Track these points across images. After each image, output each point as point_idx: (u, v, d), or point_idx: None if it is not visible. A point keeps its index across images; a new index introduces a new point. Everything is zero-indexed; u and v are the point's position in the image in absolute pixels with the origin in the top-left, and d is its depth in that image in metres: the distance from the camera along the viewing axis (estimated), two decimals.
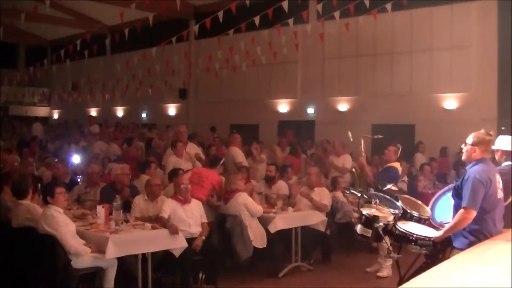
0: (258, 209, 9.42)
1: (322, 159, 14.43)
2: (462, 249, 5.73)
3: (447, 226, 6.04)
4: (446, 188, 7.40)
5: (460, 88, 17.31)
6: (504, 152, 7.02)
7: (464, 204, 5.78)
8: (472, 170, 5.92)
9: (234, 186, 9.53)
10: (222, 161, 10.82)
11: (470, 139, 6.06)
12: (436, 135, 16.64)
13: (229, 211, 9.36)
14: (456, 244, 5.95)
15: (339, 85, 20.28)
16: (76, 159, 14.85)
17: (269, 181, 11.34)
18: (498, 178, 6.00)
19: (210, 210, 9.77)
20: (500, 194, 5.98)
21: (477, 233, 5.83)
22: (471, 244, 5.69)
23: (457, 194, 5.99)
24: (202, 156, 12.40)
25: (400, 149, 10.01)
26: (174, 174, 10.12)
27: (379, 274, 9.76)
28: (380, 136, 10.08)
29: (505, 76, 15.89)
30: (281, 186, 11.28)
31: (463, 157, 6.20)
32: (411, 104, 18.05)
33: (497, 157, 7.07)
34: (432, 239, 6.20)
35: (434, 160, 15.22)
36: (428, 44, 17.98)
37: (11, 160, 12.04)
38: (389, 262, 9.64)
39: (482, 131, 6.07)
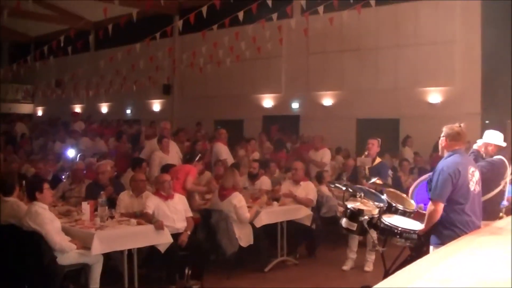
0: (245, 216, 9.32)
1: (302, 154, 14.45)
2: (438, 243, 5.81)
3: (424, 222, 6.10)
4: (425, 176, 7.50)
5: (444, 82, 17.39)
6: (496, 147, 7.20)
7: (431, 195, 5.94)
8: (441, 163, 6.06)
9: (232, 184, 9.53)
10: (198, 157, 10.78)
11: (442, 132, 6.19)
12: (420, 129, 16.67)
13: (218, 207, 9.36)
14: (431, 241, 6.02)
15: (324, 80, 20.27)
16: (71, 153, 14.85)
17: (253, 177, 11.39)
18: (472, 170, 6.06)
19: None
20: (473, 187, 6.03)
21: (450, 225, 5.91)
22: (447, 237, 5.74)
23: (430, 188, 6.08)
24: (180, 154, 12.37)
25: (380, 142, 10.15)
26: (165, 170, 10.16)
27: (367, 268, 9.84)
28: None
29: (489, 70, 15.99)
30: (264, 182, 11.36)
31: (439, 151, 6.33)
32: (395, 98, 18.11)
33: (489, 150, 7.24)
34: (416, 232, 6.25)
35: (417, 155, 15.30)
36: (413, 38, 17.99)
37: None
38: (373, 256, 9.74)
39: (456, 124, 6.17)
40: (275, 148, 15.56)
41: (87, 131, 18.96)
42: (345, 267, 9.89)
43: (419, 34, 17.81)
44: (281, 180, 12.14)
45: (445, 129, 6.20)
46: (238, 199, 9.35)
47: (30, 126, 23.77)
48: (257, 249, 9.68)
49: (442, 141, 6.21)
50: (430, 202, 5.94)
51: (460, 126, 6.18)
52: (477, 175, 6.12)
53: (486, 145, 7.34)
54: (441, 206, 5.84)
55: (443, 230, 5.91)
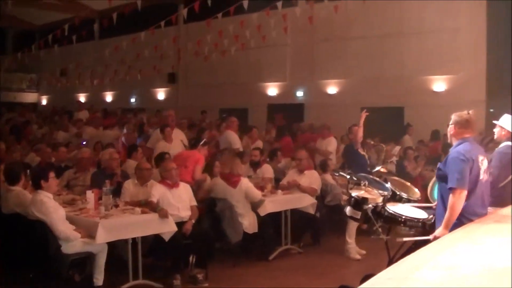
0: (257, 193, 9.56)
1: (307, 143, 14.40)
2: None
3: (445, 218, 5.86)
4: None
5: (449, 71, 17.30)
6: (509, 133, 6.98)
7: (452, 185, 5.76)
8: (454, 150, 5.96)
9: (239, 171, 9.65)
10: (203, 141, 10.74)
11: (451, 120, 6.14)
12: (425, 117, 16.64)
13: (227, 195, 9.41)
14: (437, 226, 5.98)
15: (329, 68, 20.23)
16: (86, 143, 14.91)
17: (254, 165, 11.38)
18: (481, 159, 5.97)
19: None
20: (482, 176, 5.94)
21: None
22: (453, 225, 5.70)
23: (441, 176, 6.01)
24: (186, 142, 12.32)
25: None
26: (161, 158, 10.09)
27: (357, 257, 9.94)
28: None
29: (494, 58, 15.92)
30: (266, 170, 11.35)
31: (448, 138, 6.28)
32: (400, 86, 18.03)
33: (502, 135, 7.02)
34: (421, 220, 6.22)
35: (422, 143, 15.25)
36: (418, 26, 17.91)
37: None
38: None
39: (465, 111, 6.11)
40: (277, 134, 15.54)
41: (91, 120, 18.89)
42: (351, 255, 9.91)
43: (424, 22, 17.72)
44: (286, 169, 12.14)
45: (453, 117, 6.11)
46: (246, 181, 9.60)
47: (35, 115, 23.73)
48: (262, 238, 9.72)
49: (450, 129, 6.12)
50: (451, 193, 5.75)
51: (468, 113, 6.08)
52: (485, 163, 6.03)
53: (501, 129, 7.12)
54: (464, 192, 5.72)
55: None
